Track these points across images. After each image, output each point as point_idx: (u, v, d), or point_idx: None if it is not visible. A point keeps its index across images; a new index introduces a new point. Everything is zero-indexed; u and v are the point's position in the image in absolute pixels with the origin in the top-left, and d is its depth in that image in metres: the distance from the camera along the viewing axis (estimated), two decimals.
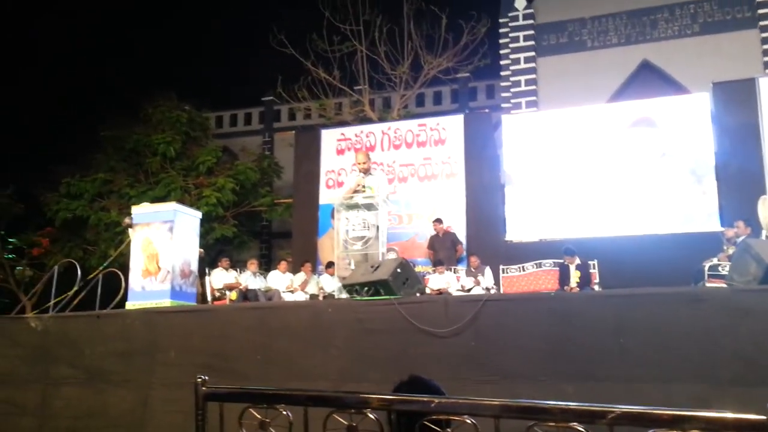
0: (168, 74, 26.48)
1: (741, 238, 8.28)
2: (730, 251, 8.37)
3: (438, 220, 11.50)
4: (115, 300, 8.21)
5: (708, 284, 7.82)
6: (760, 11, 15.87)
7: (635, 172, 11.51)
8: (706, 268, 8.28)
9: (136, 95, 19.26)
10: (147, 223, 8.14)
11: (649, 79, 16.45)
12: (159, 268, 7.88)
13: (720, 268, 7.99)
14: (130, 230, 8.54)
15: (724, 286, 6.54)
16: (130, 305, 7.86)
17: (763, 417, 1.44)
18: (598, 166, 11.78)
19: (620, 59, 16.73)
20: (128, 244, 8.50)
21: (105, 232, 16.99)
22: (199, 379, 2.12)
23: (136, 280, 7.99)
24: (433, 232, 11.49)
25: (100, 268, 9.00)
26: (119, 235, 14.85)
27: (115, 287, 8.39)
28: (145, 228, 8.13)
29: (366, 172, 8.59)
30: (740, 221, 8.95)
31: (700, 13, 16.54)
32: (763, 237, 8.23)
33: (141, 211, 8.55)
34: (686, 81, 15.41)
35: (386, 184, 9.08)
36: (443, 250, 11.18)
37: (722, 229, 9.86)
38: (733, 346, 5.03)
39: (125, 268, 8.28)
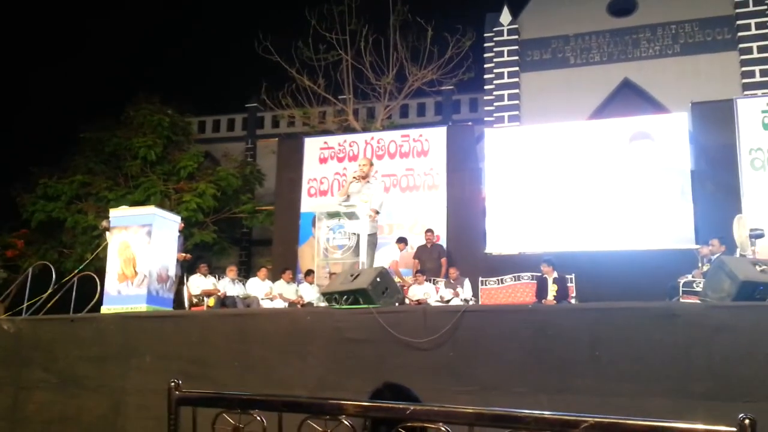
0: (151, 78, 26.34)
1: (716, 256, 8.40)
2: (705, 268, 8.49)
3: (430, 231, 11.52)
4: (90, 304, 8.10)
5: (683, 300, 7.92)
6: (740, 33, 16.20)
7: (615, 189, 11.64)
8: (681, 285, 8.39)
9: (118, 97, 19.14)
10: (125, 226, 8.06)
11: (629, 97, 16.70)
12: (136, 272, 7.80)
13: (695, 285, 8.09)
14: (107, 233, 8.45)
15: (698, 302, 6.63)
16: (105, 309, 7.77)
17: (734, 429, 1.47)
18: (578, 181, 11.90)
19: (602, 77, 16.97)
20: (105, 248, 8.41)
21: (82, 235, 16.78)
22: (173, 383, 2.10)
23: (111, 284, 7.90)
24: (423, 242, 11.50)
25: (76, 271, 8.89)
26: (96, 239, 14.69)
27: (90, 291, 8.29)
28: (122, 231, 8.04)
29: (364, 178, 8.54)
30: (715, 239, 9.09)
31: (681, 33, 16.84)
32: (738, 255, 8.35)
33: (119, 214, 8.46)
34: (666, 100, 15.67)
35: (381, 194, 9.01)
36: (430, 261, 11.20)
37: (697, 246, 10.00)
38: (706, 361, 5.10)
39: (101, 272, 8.18)
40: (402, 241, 11.51)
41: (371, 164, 8.98)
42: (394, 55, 17.05)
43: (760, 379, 4.85)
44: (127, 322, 7.16)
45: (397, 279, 10.06)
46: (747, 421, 1.44)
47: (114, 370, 6.80)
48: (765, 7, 16.14)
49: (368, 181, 8.59)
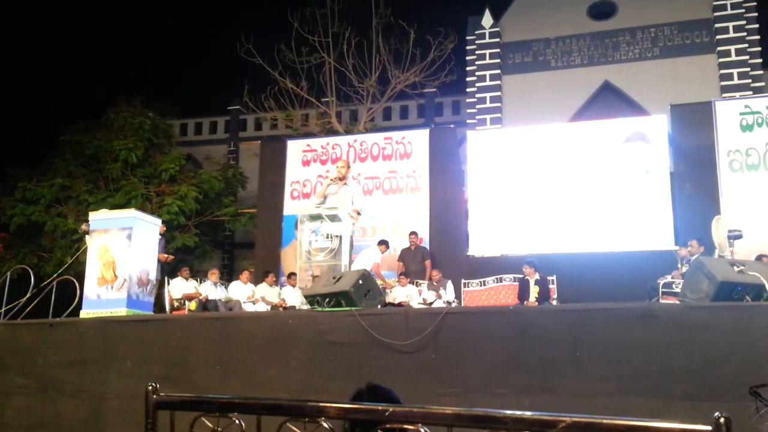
0: (132, 80, 26.15)
1: (694, 257, 8.49)
2: (684, 269, 8.57)
3: (414, 233, 11.51)
4: (70, 308, 8.02)
5: (662, 301, 7.99)
6: (718, 36, 16.42)
7: (596, 191, 11.73)
8: (661, 286, 8.47)
9: (99, 100, 18.98)
10: (104, 229, 7.98)
11: (609, 99, 16.87)
12: (116, 276, 7.73)
13: (674, 286, 8.17)
14: (87, 237, 8.36)
15: (678, 302, 6.70)
16: (84, 314, 7.69)
17: (709, 428, 1.48)
18: (559, 183, 11.97)
19: (582, 79, 17.13)
20: (84, 251, 8.32)
21: (61, 239, 16.60)
22: (150, 387, 2.09)
23: (91, 288, 7.82)
24: (406, 245, 11.50)
25: (55, 275, 8.79)
26: (76, 243, 14.53)
27: (69, 295, 8.20)
28: (102, 235, 7.97)
29: (342, 179, 8.56)
30: (694, 240, 9.19)
31: (660, 37, 17.04)
32: (716, 256, 8.45)
33: (99, 217, 8.37)
34: (645, 103, 15.85)
35: (361, 196, 9.05)
36: (414, 263, 11.19)
37: (677, 247, 10.11)
38: (685, 361, 5.15)
39: (81, 276, 8.10)
40: (383, 243, 11.50)
41: (348, 166, 9.02)
42: (376, 57, 17.07)
43: (738, 379, 4.91)
44: (107, 326, 7.10)
45: (378, 281, 10.06)
46: (722, 420, 1.46)
47: (94, 375, 6.74)
48: (743, 10, 16.39)
49: (346, 183, 8.62)
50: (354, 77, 17.25)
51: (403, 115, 20.81)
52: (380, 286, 9.81)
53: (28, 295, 8.23)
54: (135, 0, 30.53)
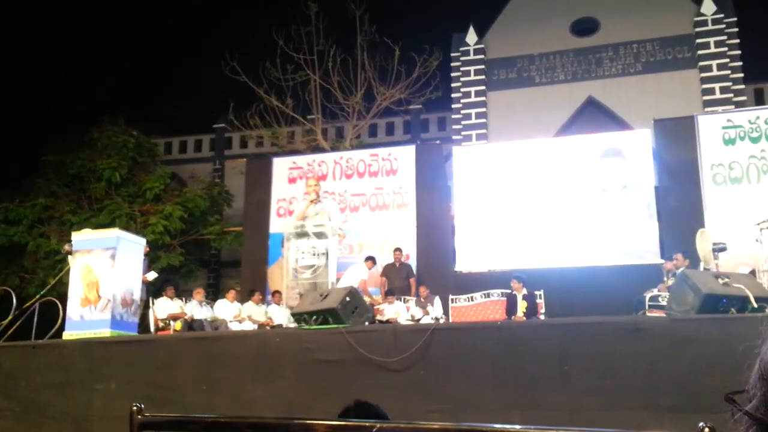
0: (116, 98, 26.08)
1: (680, 270, 8.54)
2: (670, 282, 8.61)
3: (398, 250, 11.48)
4: (53, 330, 7.91)
5: (648, 314, 8.02)
6: (700, 52, 16.67)
7: (582, 205, 11.80)
8: (647, 299, 8.51)
9: (83, 119, 18.89)
10: (88, 249, 7.90)
11: (594, 115, 17.03)
12: (99, 296, 7.64)
13: (660, 299, 8.21)
14: (69, 257, 8.27)
15: (664, 315, 6.72)
16: (67, 335, 7.59)
17: None
18: (546, 198, 12.03)
19: (567, 95, 17.29)
20: (67, 272, 8.22)
21: (44, 260, 16.42)
22: (135, 407, 2.05)
23: (74, 309, 7.72)
24: (391, 261, 11.47)
25: (37, 296, 8.68)
26: (59, 263, 14.36)
27: (52, 317, 8.10)
28: (85, 255, 7.88)
29: (316, 198, 8.58)
30: (679, 253, 9.25)
31: (642, 52, 17.27)
32: (701, 269, 8.50)
33: (82, 237, 8.29)
34: (629, 117, 16.00)
35: (338, 213, 9.08)
36: (398, 280, 11.16)
37: (662, 261, 10.17)
38: (672, 373, 5.16)
39: (64, 297, 8.00)
40: (370, 259, 11.43)
41: (318, 184, 9.06)
42: (362, 74, 17.15)
43: (724, 390, 4.90)
44: (91, 347, 7.01)
45: (366, 298, 10.02)
46: (706, 430, 1.45)
47: (78, 397, 6.64)
48: (723, 26, 16.66)
49: (320, 201, 8.64)
50: (339, 94, 17.31)
51: (389, 132, 20.88)
52: (368, 303, 9.79)
53: (10, 317, 8.12)
54: (118, 18, 30.53)
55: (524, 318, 9.33)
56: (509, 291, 9.99)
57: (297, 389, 6.13)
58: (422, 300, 10.45)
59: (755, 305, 5.73)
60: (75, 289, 7.81)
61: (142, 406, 2.10)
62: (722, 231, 9.87)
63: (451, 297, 10.81)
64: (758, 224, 8.36)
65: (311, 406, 5.87)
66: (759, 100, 17.22)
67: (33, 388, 6.82)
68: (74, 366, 6.85)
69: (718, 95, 16.27)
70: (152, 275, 9.84)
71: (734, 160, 11.22)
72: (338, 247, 8.80)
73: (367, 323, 7.13)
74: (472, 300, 10.75)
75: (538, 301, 9.97)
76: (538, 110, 16.95)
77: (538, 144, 13.03)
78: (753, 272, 8.36)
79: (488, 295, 10.69)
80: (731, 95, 16.26)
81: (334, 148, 16.71)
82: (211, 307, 11.15)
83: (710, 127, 11.51)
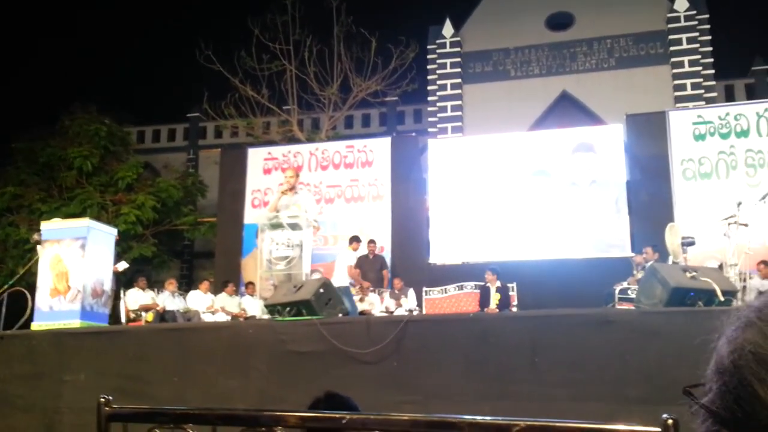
0: (88, 86, 25.65)
1: (649, 263, 8.68)
2: (639, 275, 8.75)
3: (372, 242, 11.42)
4: (21, 320, 7.78)
5: (618, 306, 8.14)
6: (672, 48, 16.90)
7: (554, 199, 11.92)
8: (617, 292, 8.64)
9: (54, 106, 18.55)
10: (57, 239, 7.77)
11: (567, 109, 17.18)
12: (69, 287, 7.53)
13: (629, 292, 8.34)
14: (39, 247, 8.13)
15: (633, 308, 6.83)
16: (36, 326, 7.47)
17: (658, 429, 1.51)
18: (519, 191, 12.14)
19: (541, 89, 17.42)
20: (36, 262, 8.09)
21: (13, 249, 16.13)
22: (102, 399, 2.03)
23: (43, 299, 7.60)
24: (365, 252, 11.40)
25: (5, 286, 8.53)
26: (28, 253, 14.13)
27: (21, 307, 7.96)
28: (54, 245, 7.75)
29: (292, 189, 8.51)
30: (648, 247, 9.40)
31: (616, 48, 17.45)
32: (670, 262, 8.65)
33: (51, 227, 8.15)
34: (602, 112, 16.18)
35: (313, 204, 9.01)
36: (372, 272, 11.12)
37: (632, 254, 10.32)
38: (640, 365, 5.25)
39: (33, 287, 7.87)
40: (355, 240, 10.67)
41: (297, 175, 8.95)
42: (338, 65, 17.08)
43: (692, 382, 5.01)
44: (60, 338, 6.92)
45: (355, 287, 9.96)
46: (670, 422, 1.48)
47: (47, 388, 6.56)
48: (695, 23, 16.90)
49: (296, 192, 8.55)
50: (315, 85, 17.23)
51: (365, 124, 20.84)
52: (357, 289, 9.71)
53: None
54: (91, 5, 29.98)
55: (497, 310, 9.42)
56: (483, 283, 10.07)
57: (270, 381, 6.12)
58: (396, 292, 10.48)
59: (722, 298, 5.85)
60: (44, 279, 7.69)
61: (111, 398, 2.08)
62: (691, 225, 10.05)
63: (425, 289, 10.86)
64: (726, 219, 8.51)
65: (284, 397, 5.87)
66: (729, 97, 17.53)
67: (1, 379, 6.72)
68: (43, 357, 6.76)
69: (689, 91, 16.52)
70: (123, 265, 9.73)
71: (704, 155, 11.41)
72: (313, 239, 8.75)
73: (340, 315, 7.13)
74: (446, 292, 10.81)
75: (510, 293, 10.06)
76: (513, 104, 17.05)
77: (513, 137, 13.13)
78: (720, 266, 8.53)
79: (462, 287, 10.75)
80: (702, 91, 16.52)
81: (310, 140, 16.64)
82: (184, 298, 11.07)
83: (681, 122, 11.69)
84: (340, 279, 9.28)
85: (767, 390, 0.66)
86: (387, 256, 11.90)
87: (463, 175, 12.52)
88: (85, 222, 8.35)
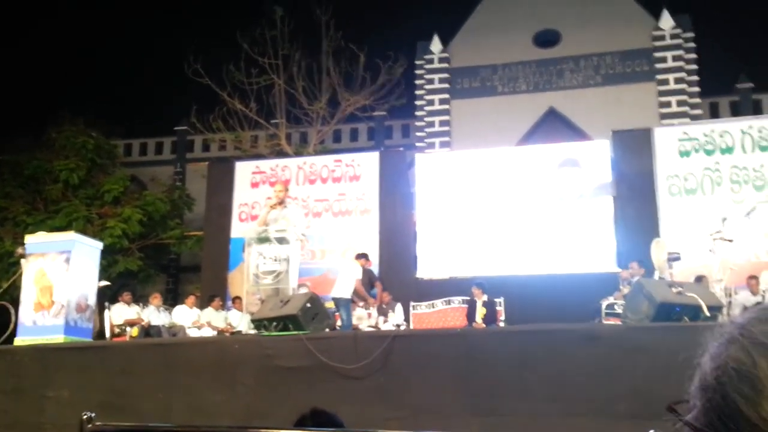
0: (75, 98, 25.52)
1: (635, 278, 8.72)
2: (626, 291, 8.79)
3: (364, 256, 11.27)
4: (4, 335, 7.67)
5: (605, 322, 8.17)
6: (658, 65, 17.11)
7: (541, 214, 11.97)
8: (604, 307, 8.67)
9: (40, 119, 18.45)
10: (42, 253, 7.68)
11: (554, 125, 17.33)
12: (53, 301, 7.43)
13: (616, 307, 8.37)
14: (23, 261, 8.04)
15: (620, 323, 6.85)
16: (19, 341, 7.37)
17: None
18: (506, 206, 12.18)
19: (528, 105, 17.56)
20: (20, 276, 8.00)
21: None
22: (85, 416, 2.00)
23: (27, 314, 7.50)
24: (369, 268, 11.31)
25: None
26: (12, 266, 13.97)
27: (4, 322, 7.85)
28: (39, 258, 7.66)
29: (281, 203, 8.48)
30: (634, 262, 9.45)
31: (602, 65, 17.65)
32: (656, 277, 8.70)
33: (36, 240, 8.06)
34: (589, 128, 16.32)
35: (302, 218, 8.97)
36: (363, 285, 11.06)
37: (619, 269, 10.37)
38: (628, 380, 5.26)
39: (17, 302, 7.77)
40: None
41: (286, 189, 8.92)
42: (326, 80, 17.15)
43: (678, 397, 5.02)
44: (43, 354, 6.83)
45: (360, 302, 9.89)
46: None
47: (30, 404, 6.47)
48: (681, 41, 17.15)
49: (285, 206, 8.53)
50: (304, 99, 17.27)
51: (353, 138, 20.88)
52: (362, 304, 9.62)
53: None
54: (79, 16, 29.92)
55: (483, 325, 9.41)
56: (470, 298, 10.07)
57: (256, 396, 6.06)
58: (384, 306, 10.45)
59: (707, 314, 5.88)
60: (28, 293, 7.59)
61: (93, 414, 2.06)
62: (677, 241, 10.12)
63: (412, 304, 10.85)
64: (711, 234, 8.59)
65: (270, 413, 5.81)
66: (714, 114, 17.75)
67: None
68: (26, 372, 6.67)
69: (674, 108, 16.72)
70: (102, 283, 9.58)
71: (689, 171, 11.52)
72: (300, 253, 8.71)
73: (327, 330, 7.10)
74: (434, 307, 10.80)
75: (498, 308, 10.07)
76: (501, 119, 17.16)
77: (500, 153, 13.19)
78: (700, 278, 8.59)
79: (449, 302, 10.75)
80: (687, 108, 16.73)
81: (298, 153, 16.64)
82: (170, 312, 10.98)
83: (666, 139, 11.80)
84: (343, 290, 9.19)
85: (750, 406, 0.67)
86: (375, 270, 11.87)
87: (450, 190, 12.55)
88: (70, 236, 8.27)
